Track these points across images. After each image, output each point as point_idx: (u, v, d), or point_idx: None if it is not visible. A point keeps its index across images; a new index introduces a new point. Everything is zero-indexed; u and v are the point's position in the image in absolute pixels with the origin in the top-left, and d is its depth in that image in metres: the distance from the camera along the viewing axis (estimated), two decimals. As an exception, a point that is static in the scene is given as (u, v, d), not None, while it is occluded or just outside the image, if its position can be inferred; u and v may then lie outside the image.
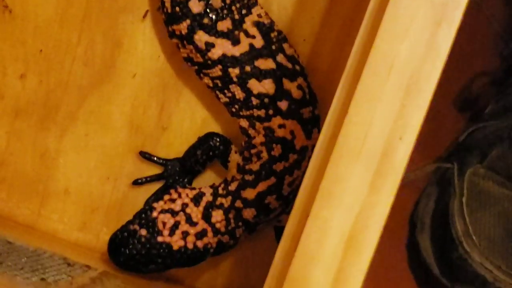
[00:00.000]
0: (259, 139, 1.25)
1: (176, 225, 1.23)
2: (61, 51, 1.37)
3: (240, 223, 1.25)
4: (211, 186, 1.28)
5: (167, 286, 1.28)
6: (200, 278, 1.36)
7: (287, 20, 1.32)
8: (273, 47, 1.24)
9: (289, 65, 1.25)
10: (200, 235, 1.23)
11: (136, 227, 1.23)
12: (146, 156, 1.34)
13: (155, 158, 1.35)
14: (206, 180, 1.36)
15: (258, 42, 1.24)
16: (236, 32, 1.24)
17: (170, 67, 1.34)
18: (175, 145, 1.36)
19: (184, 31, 1.23)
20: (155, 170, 1.36)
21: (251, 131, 1.26)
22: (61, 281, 1.09)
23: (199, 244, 1.23)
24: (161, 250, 1.22)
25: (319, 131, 1.23)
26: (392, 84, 0.80)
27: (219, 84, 1.25)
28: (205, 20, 1.23)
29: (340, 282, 0.80)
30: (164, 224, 1.23)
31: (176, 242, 1.22)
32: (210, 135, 1.32)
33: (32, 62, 1.37)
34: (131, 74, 1.35)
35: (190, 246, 1.22)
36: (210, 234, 1.23)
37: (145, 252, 1.22)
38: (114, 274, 1.21)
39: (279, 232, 1.32)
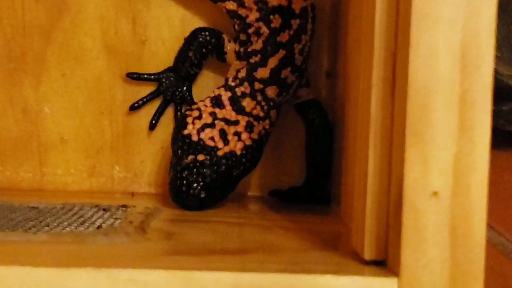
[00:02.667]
0: (253, 15, 1.16)
1: (223, 133, 1.12)
2: (6, -4, 1.22)
3: (271, 103, 1.16)
4: (220, 87, 1.18)
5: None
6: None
7: None
8: None
9: None
10: (249, 128, 1.13)
11: (191, 157, 1.11)
12: (134, 76, 1.24)
13: (145, 76, 1.24)
14: (206, 83, 1.26)
15: None
16: None
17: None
18: (159, 55, 1.26)
19: None
20: (149, 89, 1.25)
21: (242, 11, 1.17)
22: (117, 224, 0.99)
23: (254, 136, 1.13)
24: (229, 161, 1.11)
25: None
26: None
27: None
28: None
29: (466, 108, 0.72)
30: (212, 139, 1.11)
31: (236, 145, 1.12)
32: (197, 32, 1.22)
33: (-22, 16, 1.22)
34: (89, -5, 1.22)
35: (248, 142, 1.12)
36: (255, 123, 1.14)
37: (216, 174, 1.11)
38: (154, 207, 1.12)
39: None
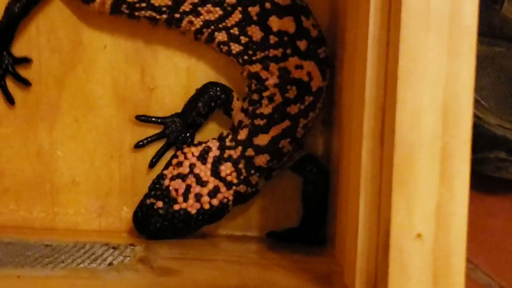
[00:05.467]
0: (272, 80, 1.22)
1: (188, 189, 1.21)
2: (24, 47, 1.32)
3: (252, 171, 1.23)
4: (218, 139, 1.25)
5: (206, 241, 1.26)
6: (235, 226, 1.34)
7: None
8: None
9: (301, 2, 1.23)
10: (213, 193, 1.21)
11: (152, 200, 1.22)
12: (142, 118, 1.31)
13: (153, 119, 1.32)
14: (209, 131, 1.33)
15: None
16: None
17: (140, 29, 1.30)
18: (166, 102, 1.33)
19: None
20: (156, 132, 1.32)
21: (264, 73, 1.23)
22: (126, 262, 1.06)
23: (215, 202, 1.21)
24: (181, 217, 1.21)
25: (330, 72, 1.23)
26: None
27: (236, 32, 1.22)
28: None
29: (447, 159, 0.80)
30: (176, 191, 1.21)
31: (192, 206, 1.21)
32: (209, 86, 1.29)
33: None
34: (101, 46, 1.30)
35: (206, 206, 1.21)
36: (223, 189, 1.22)
37: (167, 222, 1.21)
38: (159, 243, 1.19)
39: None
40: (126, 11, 1.22)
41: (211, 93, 1.28)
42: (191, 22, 1.22)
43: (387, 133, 0.83)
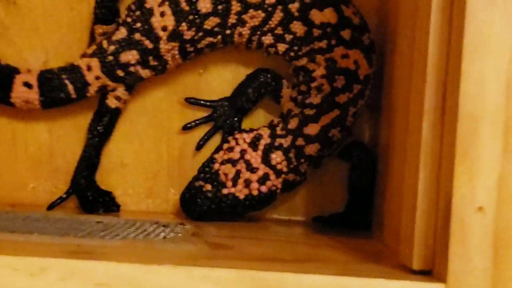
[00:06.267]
0: (319, 71, 1.24)
1: (237, 174, 1.23)
2: (76, 27, 1.34)
3: (302, 160, 1.25)
4: (269, 126, 1.27)
5: (252, 224, 1.27)
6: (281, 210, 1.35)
7: None
8: None
9: None
10: (263, 180, 1.23)
11: (201, 183, 1.23)
12: (192, 101, 1.33)
13: (202, 102, 1.33)
14: (256, 116, 1.35)
15: None
16: None
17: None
18: (214, 87, 1.36)
19: None
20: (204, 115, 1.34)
21: (310, 65, 1.25)
22: (180, 236, 1.08)
23: (263, 189, 1.23)
24: (229, 202, 1.22)
25: (376, 58, 1.24)
26: None
27: (280, 32, 1.24)
28: None
29: (510, 132, 0.81)
30: (226, 175, 1.23)
31: (241, 191, 1.23)
32: (260, 72, 1.31)
33: (51, 47, 1.34)
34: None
35: (255, 192, 1.23)
36: (272, 177, 1.23)
37: (214, 205, 1.23)
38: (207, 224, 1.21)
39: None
40: (191, 49, 1.25)
41: (262, 79, 1.29)
42: (240, 34, 1.25)
43: (449, 107, 0.84)
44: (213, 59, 1.33)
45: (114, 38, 1.24)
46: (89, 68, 1.25)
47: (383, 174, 1.23)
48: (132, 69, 1.25)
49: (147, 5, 1.24)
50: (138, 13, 1.24)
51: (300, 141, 1.23)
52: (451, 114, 0.83)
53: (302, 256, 1.00)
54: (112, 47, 1.24)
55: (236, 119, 1.32)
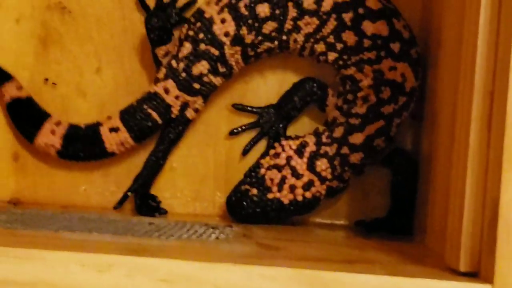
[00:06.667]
0: (366, 82, 1.27)
1: (283, 180, 1.27)
2: (128, 35, 1.39)
3: (346, 168, 1.28)
4: (314, 134, 1.30)
5: (296, 227, 1.32)
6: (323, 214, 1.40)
7: None
8: None
9: (389, 4, 1.28)
10: (308, 186, 1.27)
11: (247, 187, 1.28)
12: (238, 107, 1.38)
13: (249, 108, 1.38)
14: (300, 122, 1.39)
15: None
16: None
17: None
18: (260, 94, 1.40)
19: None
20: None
21: (358, 75, 1.28)
22: (232, 237, 1.12)
23: (308, 194, 1.27)
24: (273, 206, 1.27)
25: (422, 71, 1.28)
26: None
27: (332, 40, 1.27)
28: None
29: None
30: (272, 180, 1.27)
31: (286, 196, 1.27)
32: (306, 81, 1.34)
33: (104, 54, 1.40)
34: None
35: (299, 198, 1.27)
36: (317, 183, 1.27)
37: (259, 209, 1.27)
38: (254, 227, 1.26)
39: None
40: (252, 53, 1.30)
41: (308, 88, 1.33)
42: (295, 41, 1.28)
43: (496, 115, 0.87)
44: (260, 67, 1.37)
45: (181, 55, 1.29)
46: (166, 91, 1.29)
47: (425, 180, 1.26)
48: (206, 79, 1.29)
49: (206, 15, 1.27)
50: (198, 24, 1.28)
51: (345, 150, 1.26)
52: (498, 122, 0.86)
53: (349, 257, 1.04)
54: (182, 64, 1.29)
55: (281, 125, 1.36)
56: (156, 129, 1.31)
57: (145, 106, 1.30)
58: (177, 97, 1.30)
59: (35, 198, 1.40)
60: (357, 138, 1.26)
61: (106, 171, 1.39)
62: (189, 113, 1.32)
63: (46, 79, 1.40)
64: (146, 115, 1.30)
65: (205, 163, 1.39)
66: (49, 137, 1.31)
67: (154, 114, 1.29)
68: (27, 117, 1.34)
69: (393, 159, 1.32)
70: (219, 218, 1.37)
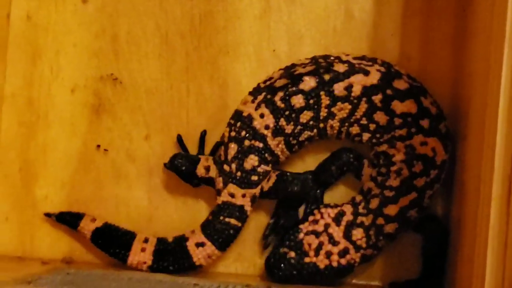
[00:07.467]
0: (399, 156, 1.34)
1: (320, 246, 1.34)
2: (174, 106, 1.48)
3: (381, 237, 1.35)
4: (352, 204, 1.37)
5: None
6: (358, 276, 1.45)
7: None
8: (392, 70, 1.36)
9: (415, 83, 1.36)
10: (343, 253, 1.34)
11: (286, 249, 1.35)
12: (278, 174, 1.42)
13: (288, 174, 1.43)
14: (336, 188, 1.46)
15: (381, 68, 1.35)
16: (359, 65, 1.35)
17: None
18: (296, 159, 1.46)
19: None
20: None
21: (391, 151, 1.34)
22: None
23: (343, 261, 1.34)
24: (310, 269, 1.34)
25: (452, 145, 1.35)
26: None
27: (365, 122, 1.34)
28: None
29: None
30: (309, 245, 1.34)
31: (322, 261, 1.34)
32: (343, 151, 1.41)
33: (152, 123, 1.48)
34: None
35: (334, 264, 1.34)
36: (352, 251, 1.34)
37: (296, 271, 1.34)
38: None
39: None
40: (294, 142, 1.37)
41: (345, 159, 1.40)
42: (332, 127, 1.36)
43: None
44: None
45: (229, 157, 1.37)
46: (232, 196, 1.37)
47: (455, 245, 1.32)
48: (260, 169, 1.36)
49: (244, 114, 1.36)
50: (239, 124, 1.36)
51: (380, 220, 1.33)
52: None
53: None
54: (233, 165, 1.36)
55: (318, 191, 1.43)
56: (238, 232, 1.39)
57: (221, 218, 1.37)
58: (243, 196, 1.37)
59: (86, 257, 1.47)
60: (391, 210, 1.33)
61: (152, 232, 1.46)
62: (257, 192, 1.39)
63: (98, 146, 1.48)
64: (225, 224, 1.38)
65: (246, 227, 1.44)
66: (140, 255, 1.39)
67: (233, 221, 1.37)
68: (113, 242, 1.42)
69: (425, 225, 1.38)
70: (259, 279, 1.43)
